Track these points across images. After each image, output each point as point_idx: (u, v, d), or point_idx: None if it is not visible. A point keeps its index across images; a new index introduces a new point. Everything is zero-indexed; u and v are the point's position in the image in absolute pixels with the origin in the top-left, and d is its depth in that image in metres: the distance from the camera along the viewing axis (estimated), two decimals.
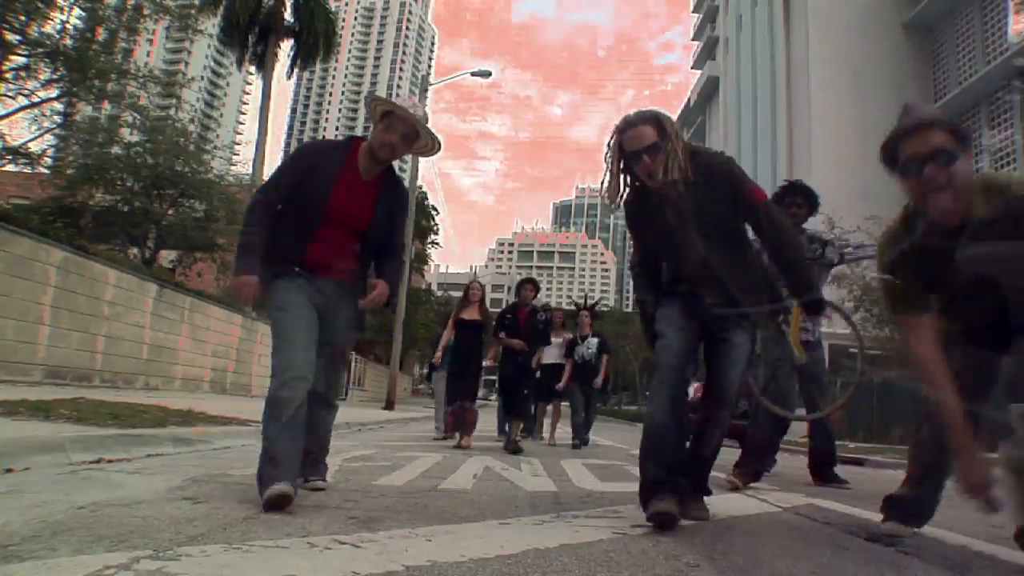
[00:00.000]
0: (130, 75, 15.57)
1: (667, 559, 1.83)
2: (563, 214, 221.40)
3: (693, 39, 48.10)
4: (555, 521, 2.38)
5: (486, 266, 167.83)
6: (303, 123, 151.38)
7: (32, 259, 8.84)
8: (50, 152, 16.94)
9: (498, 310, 7.14)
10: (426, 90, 20.77)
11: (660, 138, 2.40)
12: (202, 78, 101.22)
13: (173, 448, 4.06)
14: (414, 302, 28.96)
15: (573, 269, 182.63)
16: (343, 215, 2.61)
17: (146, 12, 15.48)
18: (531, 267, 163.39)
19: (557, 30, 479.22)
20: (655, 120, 2.44)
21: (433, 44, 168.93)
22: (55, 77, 14.14)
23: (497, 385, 7.31)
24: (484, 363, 7.02)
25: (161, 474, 2.98)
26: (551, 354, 7.98)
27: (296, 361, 2.42)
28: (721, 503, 2.98)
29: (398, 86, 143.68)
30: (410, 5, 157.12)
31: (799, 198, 4.38)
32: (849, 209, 14.57)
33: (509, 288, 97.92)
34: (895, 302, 2.17)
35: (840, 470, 4.73)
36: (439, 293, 46.67)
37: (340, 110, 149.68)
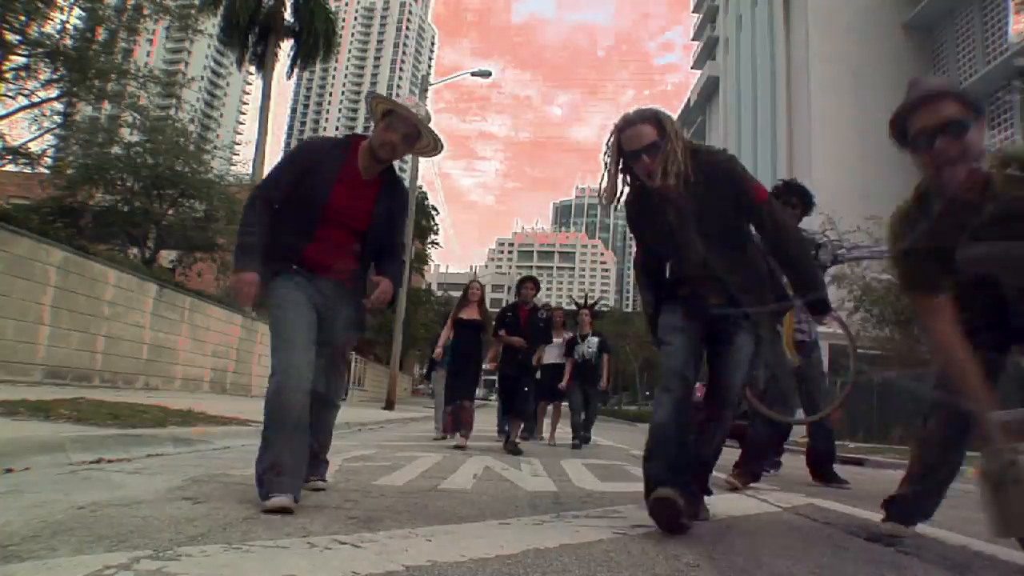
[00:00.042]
0: (130, 75, 15.54)
1: (667, 559, 1.83)
2: (563, 214, 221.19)
3: (693, 39, 48.12)
4: (555, 521, 2.38)
5: (486, 266, 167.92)
6: (303, 123, 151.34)
7: (32, 259, 8.85)
8: (50, 152, 16.91)
9: (497, 310, 7.13)
10: (426, 90, 20.75)
11: (660, 137, 2.35)
12: (202, 78, 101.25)
13: (173, 448, 4.06)
14: (414, 302, 28.96)
15: (573, 269, 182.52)
16: (343, 215, 2.59)
17: (146, 12, 15.45)
18: (531, 267, 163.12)
19: (557, 30, 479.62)
20: (655, 119, 2.40)
21: (433, 44, 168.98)
22: (55, 77, 14.11)
23: (497, 384, 7.29)
24: (484, 365, 7.01)
25: (161, 474, 2.97)
26: (551, 354, 7.98)
27: (296, 361, 2.40)
28: (721, 503, 2.98)
29: (398, 86, 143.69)
30: (410, 5, 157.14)
31: (794, 198, 4.37)
32: (849, 209, 14.62)
33: (509, 288, 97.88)
34: (910, 283, 2.08)
35: (840, 470, 4.74)
36: (439, 293, 46.64)
37: (340, 110, 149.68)
